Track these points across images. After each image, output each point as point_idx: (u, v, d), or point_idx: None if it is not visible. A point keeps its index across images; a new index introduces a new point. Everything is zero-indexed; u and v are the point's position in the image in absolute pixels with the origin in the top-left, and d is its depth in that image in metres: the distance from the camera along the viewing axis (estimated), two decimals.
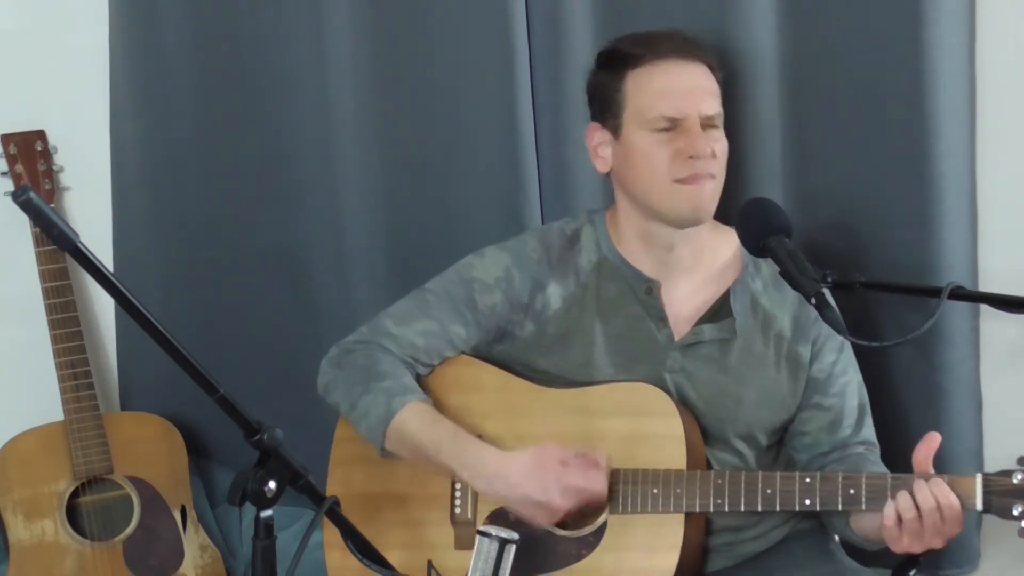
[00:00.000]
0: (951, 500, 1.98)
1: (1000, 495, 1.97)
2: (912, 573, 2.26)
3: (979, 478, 1.99)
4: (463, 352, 2.33)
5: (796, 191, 2.58)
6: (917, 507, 1.99)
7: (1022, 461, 1.96)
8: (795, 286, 1.95)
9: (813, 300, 1.90)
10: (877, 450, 2.30)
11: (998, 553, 2.62)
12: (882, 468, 2.24)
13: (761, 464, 2.29)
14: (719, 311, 2.27)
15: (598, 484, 2.14)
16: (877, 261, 2.54)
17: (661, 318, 2.26)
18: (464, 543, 2.24)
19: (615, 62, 2.27)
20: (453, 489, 2.27)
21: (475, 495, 2.26)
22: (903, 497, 2.00)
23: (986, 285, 2.54)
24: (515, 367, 2.31)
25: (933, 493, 1.98)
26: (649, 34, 2.28)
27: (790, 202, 2.53)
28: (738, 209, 2.12)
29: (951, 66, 2.46)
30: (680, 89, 2.21)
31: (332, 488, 2.34)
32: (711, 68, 2.26)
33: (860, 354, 2.33)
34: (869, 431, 2.31)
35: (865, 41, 2.49)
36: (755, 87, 2.52)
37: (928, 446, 2.03)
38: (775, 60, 2.53)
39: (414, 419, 2.22)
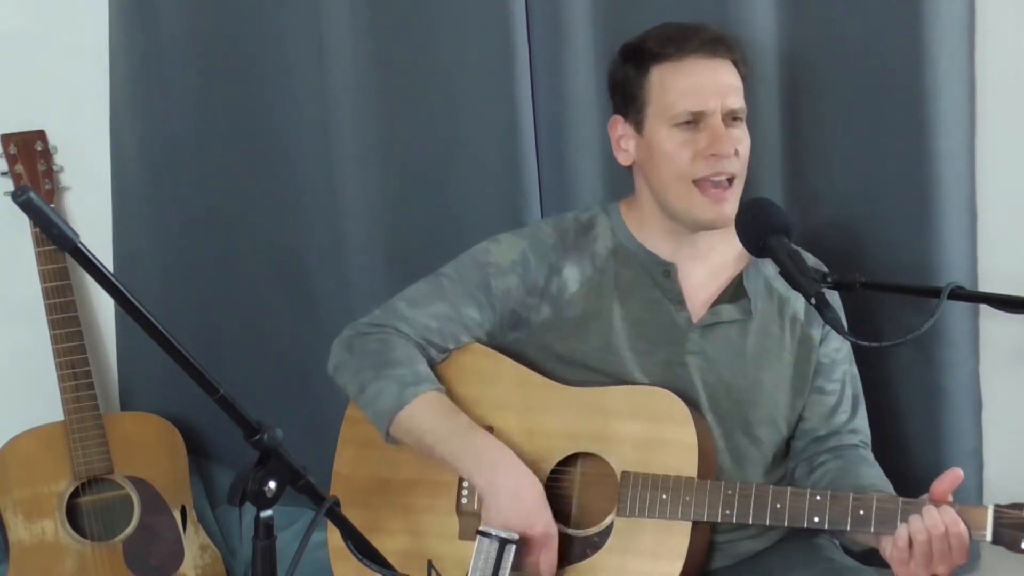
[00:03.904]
0: (959, 528, 1.96)
1: (1010, 528, 1.96)
2: None
3: (991, 509, 1.98)
4: (478, 337, 2.32)
5: (796, 191, 2.58)
6: (927, 531, 1.98)
7: None
8: (795, 286, 1.94)
9: (813, 300, 1.90)
10: (869, 443, 2.31)
11: (998, 553, 2.62)
12: (876, 467, 2.25)
13: (777, 458, 2.29)
14: (735, 292, 2.28)
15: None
16: (877, 261, 2.54)
17: (679, 300, 2.26)
18: (468, 534, 2.22)
19: (640, 56, 2.25)
20: (461, 479, 2.26)
21: None
22: (915, 520, 1.98)
23: (986, 285, 2.54)
24: (533, 354, 2.30)
25: (942, 519, 1.97)
26: (678, 28, 2.26)
27: (790, 202, 2.53)
28: (738, 209, 2.12)
29: (951, 66, 2.46)
30: (704, 85, 2.20)
31: (340, 467, 2.33)
32: (736, 64, 2.26)
33: (860, 354, 2.33)
34: (863, 421, 2.32)
35: (865, 41, 2.50)
36: (755, 86, 2.51)
37: (950, 480, 2.01)
38: (775, 59, 2.54)
39: (425, 410, 2.21)
